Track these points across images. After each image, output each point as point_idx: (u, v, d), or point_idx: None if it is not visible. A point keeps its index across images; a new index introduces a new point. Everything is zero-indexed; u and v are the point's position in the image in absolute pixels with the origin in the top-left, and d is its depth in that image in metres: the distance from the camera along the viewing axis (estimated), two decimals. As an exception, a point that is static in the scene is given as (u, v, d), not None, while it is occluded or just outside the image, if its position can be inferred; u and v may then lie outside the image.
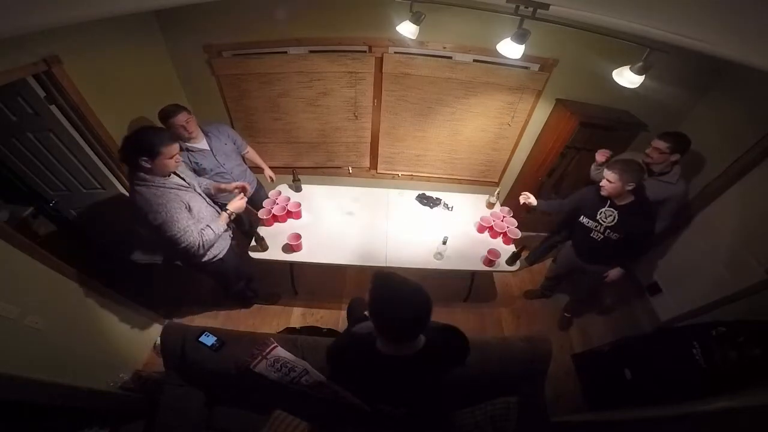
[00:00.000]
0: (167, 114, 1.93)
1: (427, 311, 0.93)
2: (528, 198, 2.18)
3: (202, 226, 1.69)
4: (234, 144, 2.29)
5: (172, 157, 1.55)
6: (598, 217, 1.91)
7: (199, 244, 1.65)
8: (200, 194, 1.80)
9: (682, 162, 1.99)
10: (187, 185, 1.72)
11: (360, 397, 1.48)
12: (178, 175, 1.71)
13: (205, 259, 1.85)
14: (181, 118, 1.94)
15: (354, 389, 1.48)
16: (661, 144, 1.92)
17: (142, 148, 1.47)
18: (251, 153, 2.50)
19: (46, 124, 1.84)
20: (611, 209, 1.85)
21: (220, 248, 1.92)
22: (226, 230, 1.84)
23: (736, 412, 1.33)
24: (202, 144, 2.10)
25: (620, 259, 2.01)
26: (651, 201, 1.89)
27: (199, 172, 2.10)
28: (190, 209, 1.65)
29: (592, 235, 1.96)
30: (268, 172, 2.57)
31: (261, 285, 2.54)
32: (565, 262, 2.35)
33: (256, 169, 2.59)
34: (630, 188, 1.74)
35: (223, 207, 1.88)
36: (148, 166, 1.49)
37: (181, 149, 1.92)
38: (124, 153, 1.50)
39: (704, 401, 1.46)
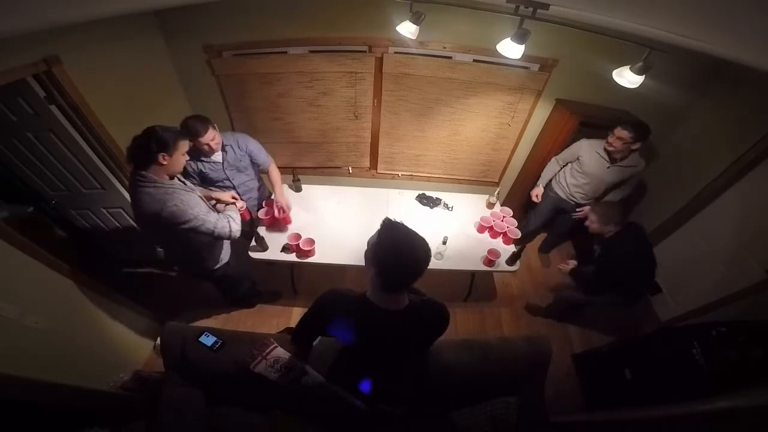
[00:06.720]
0: (194, 132, 1.78)
1: (426, 261, 0.99)
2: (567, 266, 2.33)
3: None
4: (250, 159, 2.14)
5: (184, 153, 1.52)
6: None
7: (226, 226, 1.64)
8: (202, 198, 1.74)
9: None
10: (191, 188, 1.68)
11: (360, 397, 1.48)
12: (180, 179, 1.67)
13: (216, 266, 1.86)
14: (209, 136, 1.83)
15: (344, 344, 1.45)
16: (624, 133, 2.03)
17: (161, 143, 1.41)
18: (274, 174, 2.23)
19: (46, 124, 1.84)
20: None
21: (226, 252, 1.92)
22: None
23: (736, 412, 1.33)
24: (216, 156, 2.01)
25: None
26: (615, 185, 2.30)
27: (204, 180, 2.05)
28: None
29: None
30: (281, 200, 2.17)
31: (261, 284, 2.53)
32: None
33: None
34: (608, 234, 1.99)
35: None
36: (165, 163, 1.44)
37: (191, 157, 1.86)
38: (140, 151, 1.42)
39: (704, 401, 1.46)
